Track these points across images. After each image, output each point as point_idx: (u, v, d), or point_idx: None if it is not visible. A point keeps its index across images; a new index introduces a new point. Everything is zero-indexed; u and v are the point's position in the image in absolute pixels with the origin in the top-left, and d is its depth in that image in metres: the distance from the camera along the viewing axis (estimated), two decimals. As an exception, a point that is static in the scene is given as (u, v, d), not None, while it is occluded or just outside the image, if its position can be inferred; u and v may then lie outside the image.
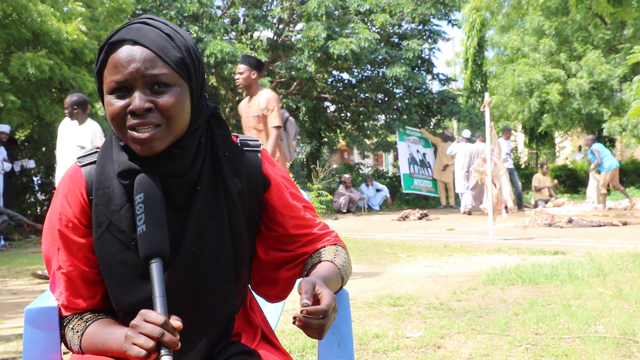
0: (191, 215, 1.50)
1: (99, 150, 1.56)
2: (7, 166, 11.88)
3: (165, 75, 1.40)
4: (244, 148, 1.61)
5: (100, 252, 1.50)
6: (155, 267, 1.38)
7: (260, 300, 1.81)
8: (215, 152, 1.54)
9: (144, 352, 1.27)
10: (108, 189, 1.48)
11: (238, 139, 1.62)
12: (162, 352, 1.28)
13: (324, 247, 1.67)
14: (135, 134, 1.40)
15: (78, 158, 1.58)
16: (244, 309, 1.68)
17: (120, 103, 1.40)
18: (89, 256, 1.53)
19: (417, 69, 20.57)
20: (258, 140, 1.64)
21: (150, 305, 1.36)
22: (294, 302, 5.01)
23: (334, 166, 22.94)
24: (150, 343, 1.27)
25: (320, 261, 1.61)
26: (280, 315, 2.20)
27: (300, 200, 1.69)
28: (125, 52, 1.40)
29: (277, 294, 1.76)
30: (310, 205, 1.72)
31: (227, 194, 1.53)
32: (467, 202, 16.07)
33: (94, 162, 1.55)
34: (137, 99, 1.39)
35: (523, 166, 26.72)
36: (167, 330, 1.29)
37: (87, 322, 1.53)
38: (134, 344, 1.29)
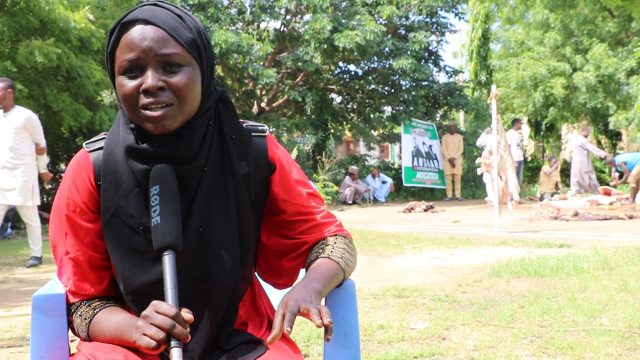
0: (197, 197, 1.50)
1: (106, 135, 1.56)
2: None
3: (177, 55, 1.41)
4: (251, 133, 1.61)
5: (108, 236, 1.51)
6: (167, 260, 1.38)
7: (266, 289, 1.81)
8: (223, 135, 1.54)
9: (154, 343, 1.28)
10: (116, 174, 1.49)
11: (244, 125, 1.62)
12: (172, 343, 1.28)
13: (324, 238, 1.66)
14: (148, 112, 1.41)
15: (86, 143, 1.58)
16: (252, 296, 1.69)
17: (133, 83, 1.41)
18: (97, 241, 1.54)
19: (423, 61, 20.53)
20: (264, 126, 1.64)
21: (157, 288, 1.38)
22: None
23: (341, 157, 22.92)
24: (161, 334, 1.28)
25: (317, 258, 1.60)
26: (286, 304, 2.20)
27: (305, 187, 1.68)
28: (138, 31, 1.40)
29: (284, 282, 1.76)
30: (315, 193, 1.71)
31: (234, 177, 1.54)
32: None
33: (101, 148, 1.55)
34: (150, 78, 1.39)
35: (529, 159, 26.68)
36: (178, 322, 1.29)
37: (95, 310, 1.54)
38: (145, 334, 1.29)
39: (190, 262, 1.50)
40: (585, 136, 17.81)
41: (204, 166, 1.50)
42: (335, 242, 1.65)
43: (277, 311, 1.40)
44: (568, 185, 20.77)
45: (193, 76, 1.44)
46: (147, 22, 1.41)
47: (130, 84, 1.42)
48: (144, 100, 1.41)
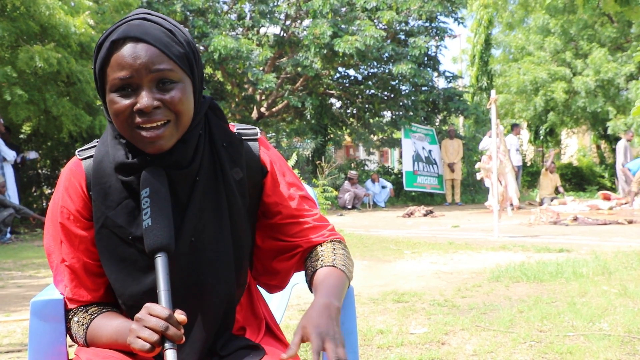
0: (190, 207, 1.49)
1: (98, 143, 1.55)
2: (11, 154, 11.79)
3: (170, 72, 1.39)
4: (242, 137, 1.60)
5: (99, 246, 1.51)
6: (160, 262, 1.38)
7: (265, 294, 1.80)
8: (214, 142, 1.53)
9: (147, 345, 1.28)
10: (104, 185, 1.48)
11: (235, 129, 1.61)
12: (166, 345, 1.28)
13: (320, 244, 1.64)
14: (143, 132, 1.39)
15: (78, 151, 1.57)
16: (249, 300, 1.69)
17: (126, 102, 1.38)
18: (91, 249, 1.53)
19: (423, 66, 20.54)
20: (255, 128, 1.63)
21: (149, 299, 1.37)
22: (299, 297, 5.03)
23: (340, 162, 22.92)
24: (155, 336, 1.28)
25: (322, 266, 1.58)
26: (284, 309, 2.20)
27: (298, 189, 1.67)
28: (130, 49, 1.37)
29: (277, 284, 1.75)
30: (308, 196, 1.70)
31: (226, 184, 1.53)
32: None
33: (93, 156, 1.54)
34: (145, 98, 1.37)
35: (529, 164, 26.68)
36: (171, 324, 1.29)
37: (92, 315, 1.54)
38: (138, 337, 1.29)
39: (183, 271, 1.49)
40: (629, 140, 17.66)
41: (197, 175, 1.50)
42: (334, 249, 1.63)
43: (297, 333, 1.38)
44: (568, 191, 20.75)
45: (186, 91, 1.42)
46: (138, 39, 1.38)
47: (122, 102, 1.39)
48: (138, 119, 1.39)
